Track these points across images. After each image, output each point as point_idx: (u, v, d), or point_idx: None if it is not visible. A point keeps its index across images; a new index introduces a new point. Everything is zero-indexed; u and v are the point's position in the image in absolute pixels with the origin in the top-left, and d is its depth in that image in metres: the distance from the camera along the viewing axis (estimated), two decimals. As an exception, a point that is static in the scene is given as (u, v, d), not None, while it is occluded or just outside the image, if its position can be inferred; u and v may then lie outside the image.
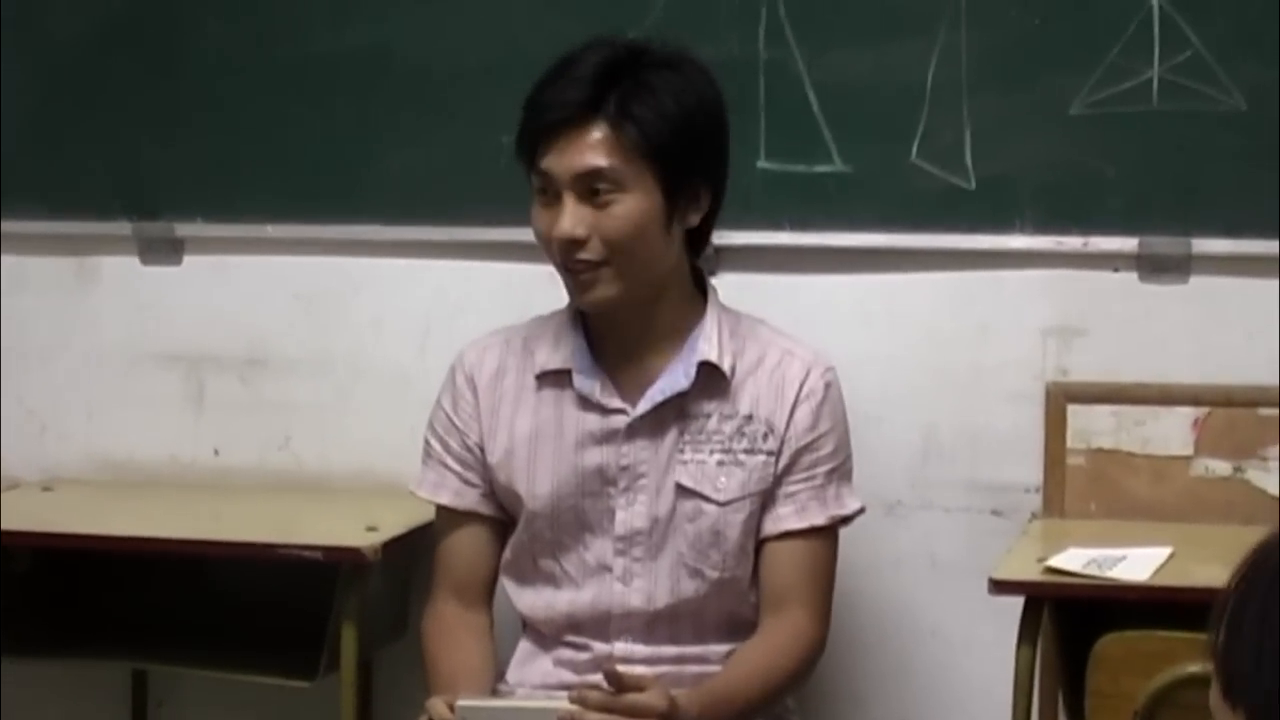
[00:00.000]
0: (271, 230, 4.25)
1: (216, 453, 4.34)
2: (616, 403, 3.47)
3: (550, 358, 3.50)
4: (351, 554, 3.74)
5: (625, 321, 3.45)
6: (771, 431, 3.46)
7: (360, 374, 4.24)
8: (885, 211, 3.95)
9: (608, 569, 3.49)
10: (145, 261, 4.33)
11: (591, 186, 3.35)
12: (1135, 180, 3.87)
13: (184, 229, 4.30)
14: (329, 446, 4.25)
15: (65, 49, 4.31)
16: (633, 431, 3.46)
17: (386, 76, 4.15)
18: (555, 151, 3.36)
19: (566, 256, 3.37)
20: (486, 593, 3.60)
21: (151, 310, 4.34)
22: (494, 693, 3.47)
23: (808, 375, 3.48)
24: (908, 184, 3.93)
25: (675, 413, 3.46)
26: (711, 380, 3.46)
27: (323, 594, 3.78)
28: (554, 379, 3.50)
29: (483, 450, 3.53)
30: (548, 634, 3.56)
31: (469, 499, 3.55)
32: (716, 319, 3.49)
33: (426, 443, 3.60)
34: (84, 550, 3.93)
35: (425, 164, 4.12)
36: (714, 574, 3.47)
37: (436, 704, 3.20)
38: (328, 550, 3.76)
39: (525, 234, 3.79)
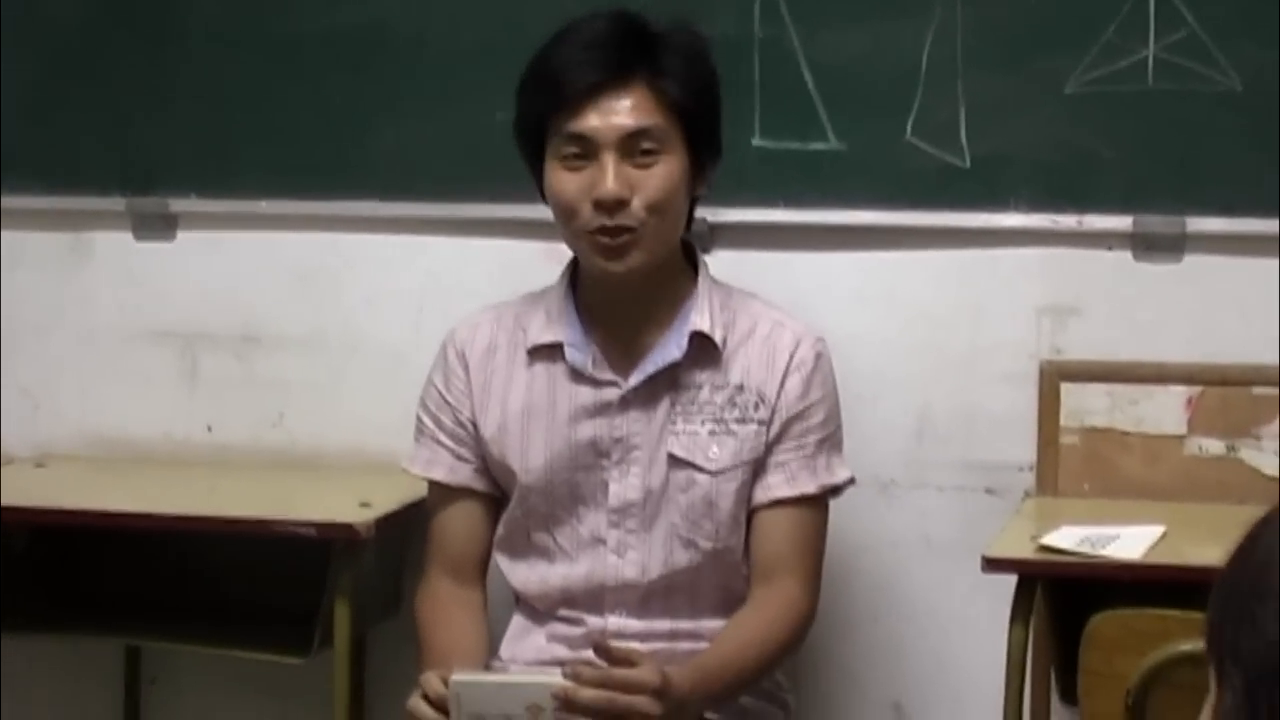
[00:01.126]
0: (266, 206, 4.25)
1: (210, 429, 4.34)
2: (609, 375, 3.49)
3: (542, 332, 3.51)
4: (345, 530, 3.74)
5: (620, 294, 3.46)
6: (762, 401, 3.47)
7: (354, 351, 4.24)
8: (880, 189, 3.96)
9: (601, 541, 3.50)
10: (139, 237, 4.33)
11: (639, 146, 3.37)
12: (1130, 159, 3.87)
13: (178, 204, 4.30)
14: (323, 423, 4.26)
15: (61, 26, 4.31)
16: (625, 403, 3.48)
17: (381, 52, 4.15)
18: (595, 113, 3.38)
19: (606, 219, 3.37)
20: (480, 569, 3.61)
21: (145, 286, 4.34)
22: (487, 668, 3.48)
23: (798, 346, 3.50)
24: (902, 162, 3.93)
25: (667, 384, 3.48)
26: (703, 351, 3.48)
27: (316, 570, 3.79)
28: (546, 353, 3.51)
29: (475, 426, 3.54)
30: (541, 609, 3.57)
31: (462, 475, 3.56)
32: (708, 291, 3.51)
33: (419, 420, 3.61)
34: (77, 527, 3.94)
35: (420, 140, 4.13)
36: (707, 544, 3.48)
37: (430, 679, 3.21)
38: (321, 527, 3.77)
39: (520, 211, 3.83)
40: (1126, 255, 3.90)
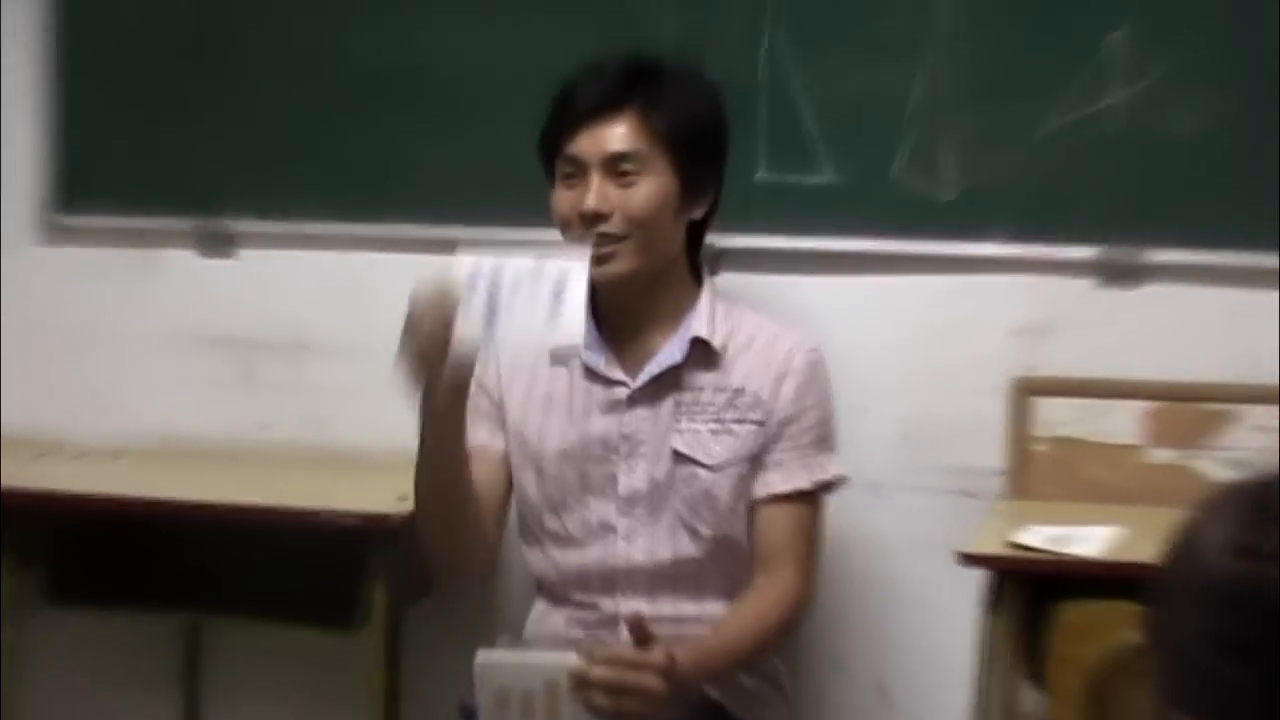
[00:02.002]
0: (316, 227, 4.27)
1: (264, 428, 4.35)
2: (619, 375, 3.50)
3: None
4: (383, 521, 3.76)
5: (629, 302, 3.48)
6: (760, 403, 3.48)
7: (393, 360, 4.24)
8: (872, 220, 3.96)
9: (612, 529, 3.51)
10: (202, 255, 4.34)
11: (619, 168, 3.42)
12: (1098, 195, 3.87)
13: (238, 226, 4.31)
14: (364, 424, 4.25)
15: (133, 64, 4.33)
16: (633, 401, 3.49)
17: (419, 92, 4.16)
18: (586, 136, 3.43)
19: (589, 230, 3.40)
20: (499, 516, 3.59)
21: (208, 299, 4.36)
22: (513, 648, 3.48)
23: (794, 354, 3.51)
24: (893, 195, 3.93)
25: (672, 385, 3.49)
26: (705, 356, 3.50)
27: (357, 556, 3.80)
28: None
29: (502, 408, 3.56)
30: (558, 593, 3.57)
31: (499, 441, 3.57)
32: (710, 303, 3.53)
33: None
34: (146, 513, 3.95)
35: (452, 170, 4.14)
36: (708, 532, 3.49)
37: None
38: (362, 517, 3.79)
39: (540, 232, 3.81)
40: (1093, 282, 3.89)
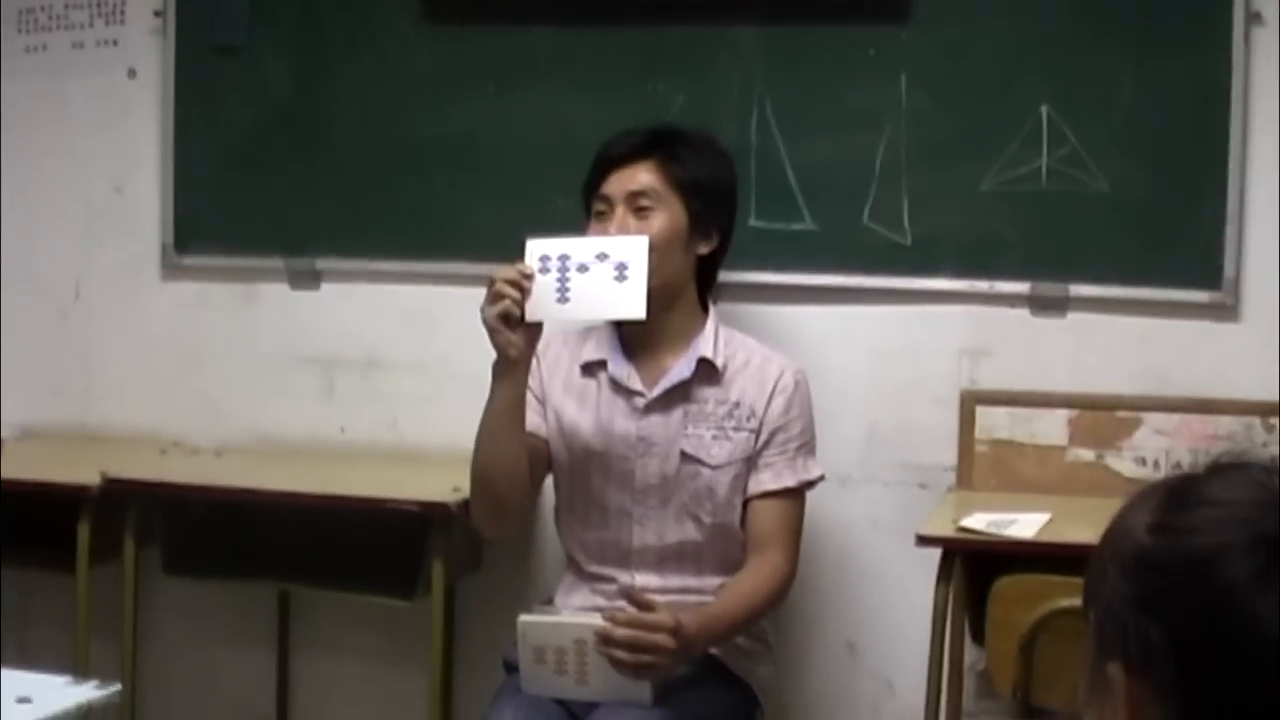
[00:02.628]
0: (386, 265, 4.26)
1: (342, 430, 4.34)
2: (638, 386, 3.51)
3: (592, 351, 3.55)
4: (441, 508, 3.75)
5: (647, 323, 3.46)
6: (754, 415, 3.48)
7: (449, 374, 4.23)
8: (844, 259, 3.95)
9: (628, 514, 3.51)
10: (293, 288, 4.33)
11: (638, 203, 3.44)
12: (1028, 240, 3.86)
13: (322, 264, 4.30)
14: (426, 427, 4.25)
15: (236, 132, 4.33)
16: (649, 409, 3.49)
17: (470, 155, 4.15)
18: (615, 179, 3.47)
19: None
20: (537, 486, 3.60)
21: (297, 324, 4.34)
22: (547, 611, 3.49)
23: (783, 374, 3.52)
24: (861, 239, 3.92)
25: (681, 397, 3.49)
26: (709, 373, 3.50)
27: (419, 537, 3.79)
28: (593, 367, 3.54)
29: (545, 402, 3.56)
30: (584, 568, 3.57)
31: (540, 429, 3.54)
32: (714, 329, 3.54)
33: None
34: (244, 501, 3.94)
35: (500, 218, 4.11)
36: (708, 520, 3.49)
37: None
38: (423, 505, 3.77)
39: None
40: (1025, 312, 3.88)
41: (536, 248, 3.28)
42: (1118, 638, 1.32)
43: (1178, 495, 1.35)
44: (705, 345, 3.51)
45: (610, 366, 3.51)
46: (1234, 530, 1.29)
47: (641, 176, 3.47)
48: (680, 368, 3.50)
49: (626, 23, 4.05)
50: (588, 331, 3.59)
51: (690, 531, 3.50)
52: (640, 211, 3.45)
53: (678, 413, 3.49)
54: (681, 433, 3.49)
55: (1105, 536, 1.39)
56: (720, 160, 3.58)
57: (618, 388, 3.52)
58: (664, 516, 3.51)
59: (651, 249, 3.32)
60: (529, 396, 3.47)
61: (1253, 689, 1.25)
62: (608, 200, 3.47)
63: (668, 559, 3.51)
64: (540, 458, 3.54)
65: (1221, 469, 1.37)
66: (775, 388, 3.50)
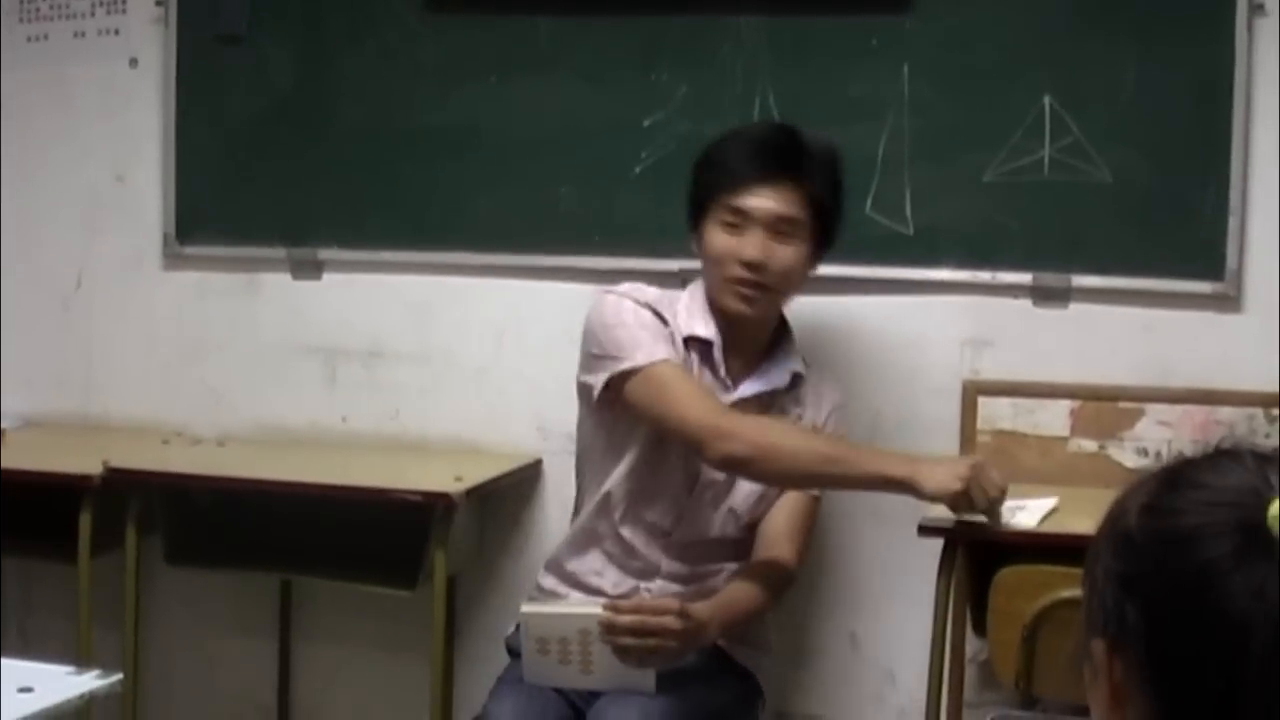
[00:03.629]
0: (388, 255, 4.26)
1: (344, 420, 4.34)
2: (725, 378, 3.48)
3: (697, 327, 3.47)
4: (443, 498, 3.75)
5: (750, 334, 3.49)
6: (815, 429, 3.51)
7: (451, 365, 4.25)
8: (846, 250, 3.91)
9: (681, 503, 3.49)
10: (295, 277, 4.33)
11: (780, 229, 3.39)
12: (1030, 231, 3.86)
13: (324, 253, 4.30)
14: (428, 417, 4.25)
15: (237, 122, 4.33)
16: (734, 405, 3.45)
17: (476, 142, 4.15)
18: (754, 196, 3.39)
19: (745, 273, 3.38)
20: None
21: (299, 314, 4.35)
22: (550, 600, 3.48)
23: (837, 394, 3.61)
24: (864, 230, 3.91)
25: (762, 403, 3.49)
26: (794, 386, 3.54)
27: (420, 527, 3.79)
28: (697, 344, 3.47)
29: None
30: (608, 533, 3.52)
31: (679, 359, 3.44)
32: (794, 340, 3.58)
33: (627, 335, 3.38)
34: (246, 490, 3.94)
35: (502, 207, 4.13)
36: (745, 519, 3.53)
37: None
38: (425, 494, 3.77)
39: (578, 261, 3.83)
40: (1027, 302, 3.88)
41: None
42: (1100, 615, 1.35)
43: (1171, 478, 1.37)
44: (796, 358, 3.55)
45: (715, 352, 3.48)
46: (1215, 512, 1.31)
47: (787, 201, 3.39)
48: (775, 375, 3.51)
49: (629, 12, 4.04)
50: (675, 301, 3.51)
51: (730, 529, 3.51)
52: (780, 236, 3.40)
53: (754, 414, 3.46)
54: None
55: (1104, 518, 1.41)
56: (840, 176, 3.51)
57: (715, 373, 3.48)
58: (713, 513, 3.50)
59: (784, 276, 3.38)
60: (659, 335, 3.40)
61: (1218, 670, 1.27)
62: (744, 215, 3.39)
63: (699, 548, 3.51)
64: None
65: (1217, 455, 1.38)
66: (833, 407, 3.57)
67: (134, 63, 4.39)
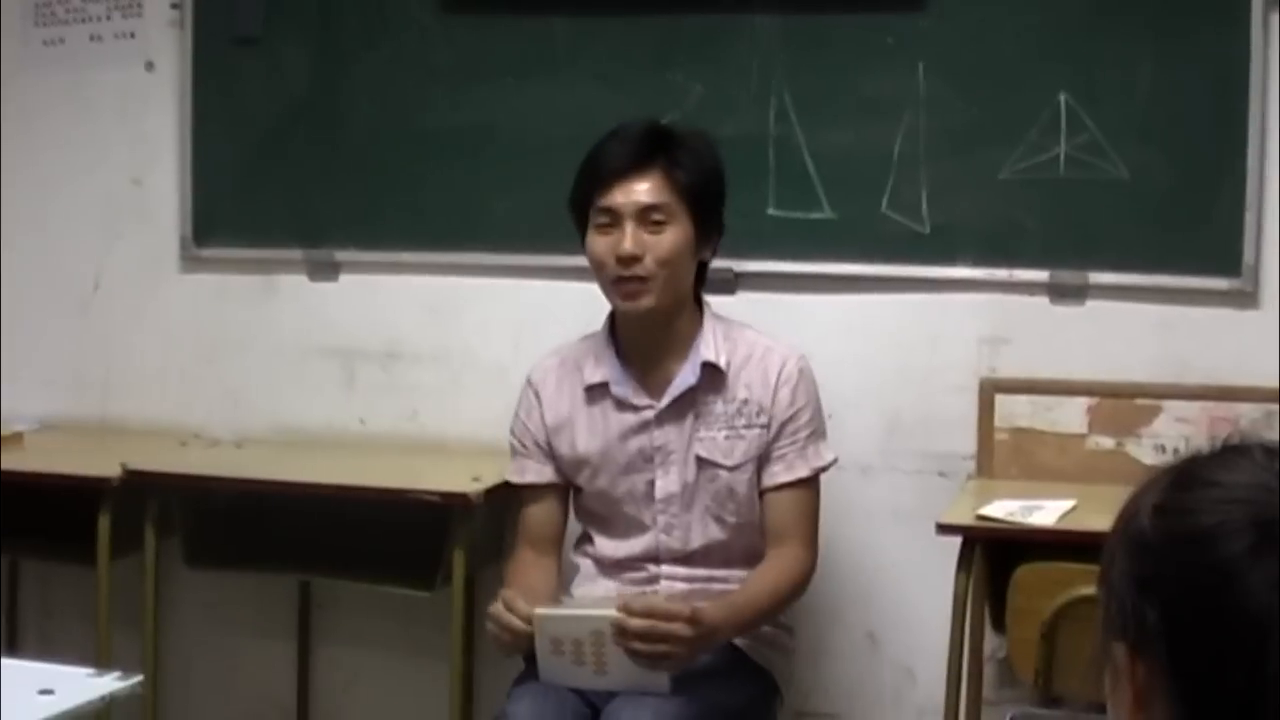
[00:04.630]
0: (406, 256, 4.27)
1: (362, 422, 4.35)
2: (645, 400, 3.49)
3: (593, 373, 3.51)
4: (461, 498, 3.75)
5: (650, 334, 3.47)
6: (762, 410, 3.46)
7: (470, 365, 4.25)
8: (862, 248, 3.95)
9: (653, 525, 3.51)
10: (312, 279, 4.34)
11: (650, 218, 3.38)
12: (1046, 228, 3.86)
13: (341, 255, 4.31)
14: (445, 418, 4.26)
15: (254, 125, 4.34)
16: (660, 420, 3.48)
17: (491, 144, 4.16)
18: (620, 191, 3.39)
19: (623, 270, 3.39)
20: (557, 544, 3.60)
21: (316, 315, 4.35)
22: (561, 603, 3.48)
23: (785, 364, 3.49)
24: (879, 228, 3.92)
25: (689, 403, 3.47)
26: (713, 376, 3.47)
27: (439, 528, 3.79)
28: (598, 390, 3.51)
29: (550, 444, 3.54)
30: (607, 566, 3.57)
31: (546, 475, 3.56)
32: (712, 328, 3.51)
33: (511, 442, 3.61)
34: (265, 492, 3.94)
35: (519, 208, 4.14)
36: (731, 519, 3.49)
37: (506, 592, 3.30)
38: (443, 495, 3.77)
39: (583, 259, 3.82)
40: (1044, 300, 3.88)
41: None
42: (1120, 619, 1.34)
43: (1181, 477, 1.37)
44: (707, 348, 3.48)
45: (613, 388, 3.50)
46: (1230, 510, 1.30)
47: (651, 190, 3.41)
48: (685, 375, 3.47)
49: (644, 12, 4.05)
50: (585, 350, 3.56)
51: (715, 533, 3.50)
52: (653, 226, 3.40)
53: (688, 419, 3.47)
54: (695, 437, 3.47)
55: (1116, 520, 1.40)
56: (715, 160, 3.51)
57: (624, 405, 3.50)
58: (688, 522, 3.50)
59: (664, 264, 3.37)
60: (525, 448, 3.56)
61: (1241, 668, 1.26)
62: (612, 214, 3.42)
63: (694, 558, 3.51)
64: (558, 511, 3.59)
65: (1225, 451, 1.38)
66: (779, 379, 3.48)
67: (150, 66, 4.40)
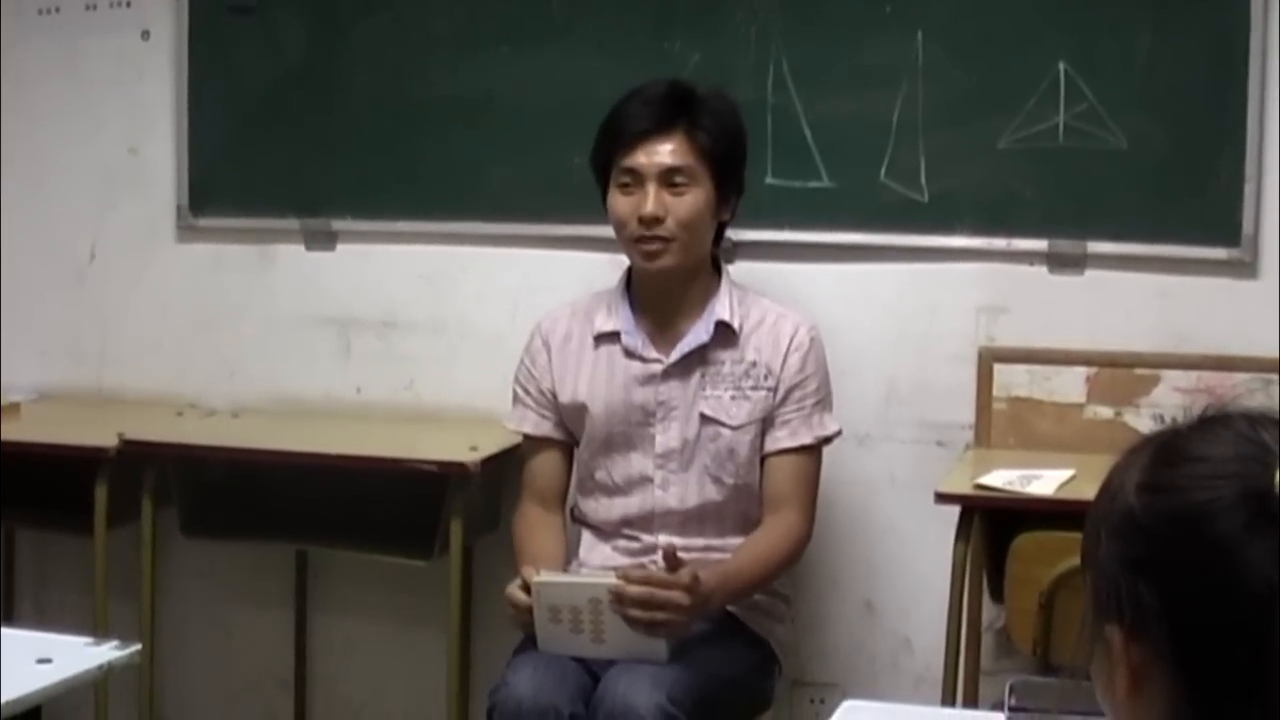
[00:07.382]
0: (402, 225, 4.26)
1: (359, 391, 4.35)
2: (654, 354, 3.51)
3: (605, 322, 3.55)
4: (458, 467, 3.76)
5: (668, 291, 3.49)
6: (770, 373, 3.49)
7: (466, 334, 4.25)
8: (860, 217, 3.95)
9: (650, 479, 3.52)
10: (309, 248, 4.33)
11: (672, 179, 3.42)
12: (1045, 197, 3.86)
13: (338, 224, 4.31)
14: (442, 387, 4.26)
15: (250, 94, 4.33)
16: (667, 375, 3.50)
17: (489, 112, 4.15)
18: (643, 152, 3.44)
19: (645, 230, 3.42)
20: (560, 499, 3.63)
21: (313, 285, 4.35)
22: (565, 570, 3.49)
23: (797, 331, 3.53)
24: (878, 197, 3.92)
25: (698, 360, 3.50)
26: (725, 336, 3.50)
27: (436, 497, 3.80)
28: (607, 338, 3.54)
29: (554, 394, 3.56)
30: (606, 530, 3.58)
31: (545, 428, 3.59)
32: (729, 291, 3.54)
33: (514, 389, 3.65)
34: (261, 461, 3.96)
35: (516, 177, 4.13)
36: (730, 481, 3.50)
37: (525, 572, 3.29)
38: (440, 464, 3.79)
39: (592, 230, 3.82)
40: (1043, 269, 3.88)
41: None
42: (1112, 600, 1.33)
43: (1164, 453, 1.35)
44: (722, 308, 3.51)
45: (624, 338, 3.52)
46: (1220, 485, 1.29)
47: (675, 152, 3.45)
48: (698, 331, 3.50)
49: (642, -20, 4.04)
50: (598, 301, 3.60)
51: (712, 493, 3.51)
52: (674, 188, 3.44)
53: (695, 376, 3.50)
54: (700, 395, 3.49)
55: (1097, 497, 1.39)
56: (737, 121, 3.56)
57: (633, 356, 3.52)
58: (686, 480, 3.52)
59: (685, 226, 3.41)
60: (527, 395, 3.59)
61: (1245, 643, 1.26)
62: (635, 175, 3.45)
63: (690, 521, 3.53)
64: (560, 463, 3.62)
65: (1206, 423, 1.37)
66: (791, 345, 3.51)
67: (146, 35, 4.39)
